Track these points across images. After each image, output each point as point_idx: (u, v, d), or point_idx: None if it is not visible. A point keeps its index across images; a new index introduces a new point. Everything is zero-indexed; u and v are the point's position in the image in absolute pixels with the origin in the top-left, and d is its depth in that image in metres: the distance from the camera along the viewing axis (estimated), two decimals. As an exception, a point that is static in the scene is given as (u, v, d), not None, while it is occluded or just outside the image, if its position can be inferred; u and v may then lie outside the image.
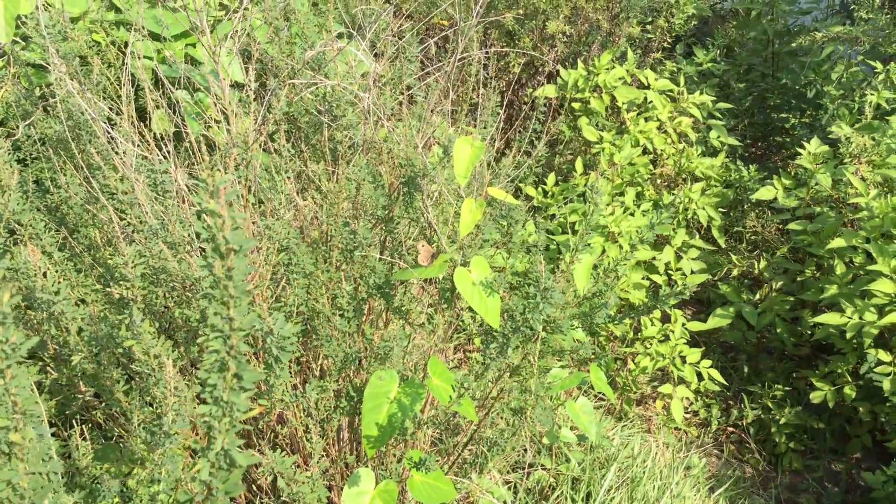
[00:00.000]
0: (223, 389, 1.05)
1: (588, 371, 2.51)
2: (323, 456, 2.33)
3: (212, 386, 1.05)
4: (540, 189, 3.85)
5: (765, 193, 3.69)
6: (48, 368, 2.01)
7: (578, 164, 3.88)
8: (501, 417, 2.42)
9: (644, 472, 3.01)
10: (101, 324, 1.86)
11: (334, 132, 2.19)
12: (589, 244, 2.33)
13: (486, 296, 2.11)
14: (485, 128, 2.53)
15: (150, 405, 1.85)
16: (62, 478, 1.27)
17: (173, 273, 1.81)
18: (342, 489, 2.32)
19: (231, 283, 1.00)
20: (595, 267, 2.75)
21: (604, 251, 3.46)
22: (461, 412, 2.02)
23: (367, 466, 2.33)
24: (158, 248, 1.80)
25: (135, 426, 1.83)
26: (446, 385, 2.07)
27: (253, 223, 2.21)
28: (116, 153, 1.92)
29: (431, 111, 2.31)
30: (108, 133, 1.96)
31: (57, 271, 1.93)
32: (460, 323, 2.53)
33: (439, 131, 2.19)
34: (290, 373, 2.39)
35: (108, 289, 1.87)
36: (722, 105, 4.26)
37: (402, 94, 2.49)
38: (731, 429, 3.67)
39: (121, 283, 1.80)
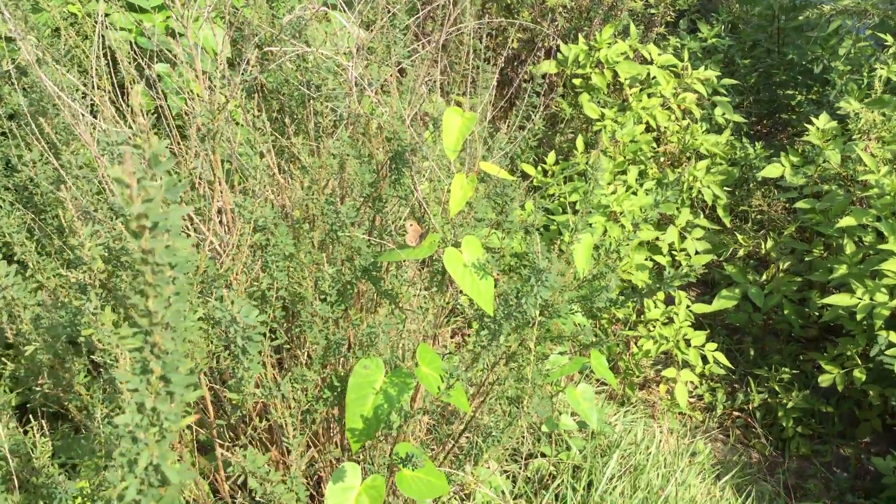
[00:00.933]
0: (148, 395, 0.86)
1: (589, 356, 2.31)
2: (310, 448, 2.13)
3: (132, 391, 0.85)
4: (539, 168, 3.64)
5: (772, 171, 3.47)
6: (2, 359, 1.82)
7: (579, 142, 3.67)
8: (498, 404, 2.23)
9: (648, 460, 2.81)
10: (61, 311, 1.67)
11: (315, 104, 1.98)
12: (589, 224, 2.13)
13: (479, 278, 1.91)
14: (475, 96, 2.32)
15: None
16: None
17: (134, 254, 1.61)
18: (328, 483, 2.13)
19: (148, 268, 0.80)
20: (596, 247, 2.55)
21: (605, 231, 3.25)
22: (453, 403, 1.82)
23: (354, 460, 2.14)
24: (119, 229, 1.60)
25: (97, 422, 1.64)
26: (436, 374, 1.88)
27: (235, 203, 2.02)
28: (78, 128, 1.72)
29: (421, 83, 2.10)
30: (72, 107, 1.76)
31: (14, 255, 1.74)
32: (459, 306, 2.33)
33: (429, 104, 1.99)
34: (271, 362, 2.20)
35: (66, 273, 1.67)
36: (727, 81, 4.04)
37: (392, 65, 2.28)
38: (736, 413, 3.47)
39: (79, 266, 1.60)
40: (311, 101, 2.03)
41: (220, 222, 1.79)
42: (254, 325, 1.37)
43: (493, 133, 2.48)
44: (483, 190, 2.02)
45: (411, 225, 1.93)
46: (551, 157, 3.65)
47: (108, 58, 2.38)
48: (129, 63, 2.25)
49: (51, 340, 1.57)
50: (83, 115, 1.69)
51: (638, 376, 3.41)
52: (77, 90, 2.12)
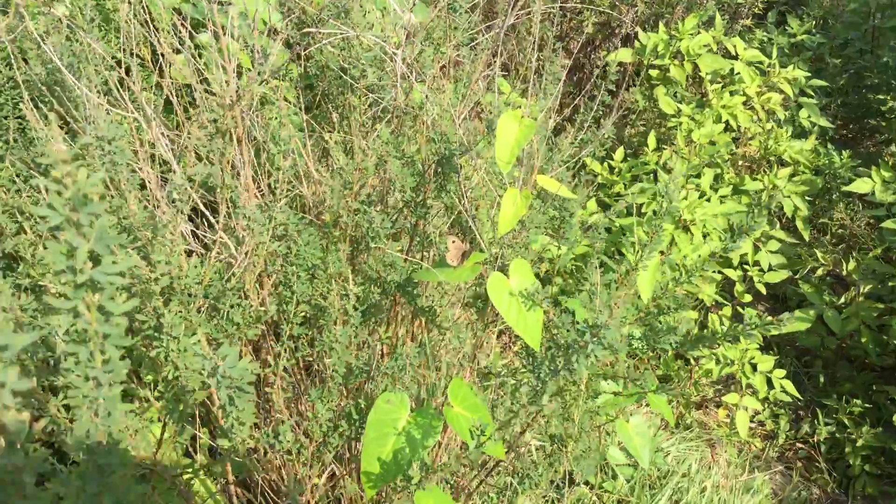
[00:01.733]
0: None
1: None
2: (322, 475, 1.88)
3: None
4: (605, 164, 3.31)
5: (861, 186, 3.09)
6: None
7: (651, 139, 3.32)
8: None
9: (702, 498, 2.51)
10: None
11: (353, 98, 1.70)
12: (656, 249, 1.82)
13: (526, 309, 1.62)
14: (541, 96, 2.01)
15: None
16: None
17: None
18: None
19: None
20: (661, 260, 2.23)
21: (673, 241, 2.92)
22: (488, 453, 1.55)
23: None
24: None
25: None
26: (471, 414, 1.60)
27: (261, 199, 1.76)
28: (83, 106, 1.47)
29: (478, 78, 1.80)
30: (78, 87, 1.50)
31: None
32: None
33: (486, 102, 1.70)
34: (291, 373, 1.95)
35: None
36: (816, 82, 3.63)
37: (450, 52, 1.98)
38: (799, 444, 3.13)
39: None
40: (351, 91, 1.74)
41: (236, 227, 1.53)
42: (242, 373, 1.10)
43: (558, 131, 2.16)
44: (539, 206, 1.72)
45: (453, 241, 1.65)
46: (619, 152, 3.32)
47: (150, 25, 2.13)
48: (170, 31, 1.99)
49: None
50: (85, 93, 1.44)
51: (695, 395, 3.09)
52: (103, 61, 1.87)
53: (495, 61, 1.85)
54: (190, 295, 1.37)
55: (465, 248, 1.64)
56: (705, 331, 3.05)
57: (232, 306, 1.42)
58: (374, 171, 1.63)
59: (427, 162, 1.75)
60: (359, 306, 1.62)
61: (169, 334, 1.27)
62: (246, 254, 1.46)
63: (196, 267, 1.37)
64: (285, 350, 1.57)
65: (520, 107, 1.82)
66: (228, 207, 1.49)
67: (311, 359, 1.86)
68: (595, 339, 1.28)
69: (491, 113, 1.91)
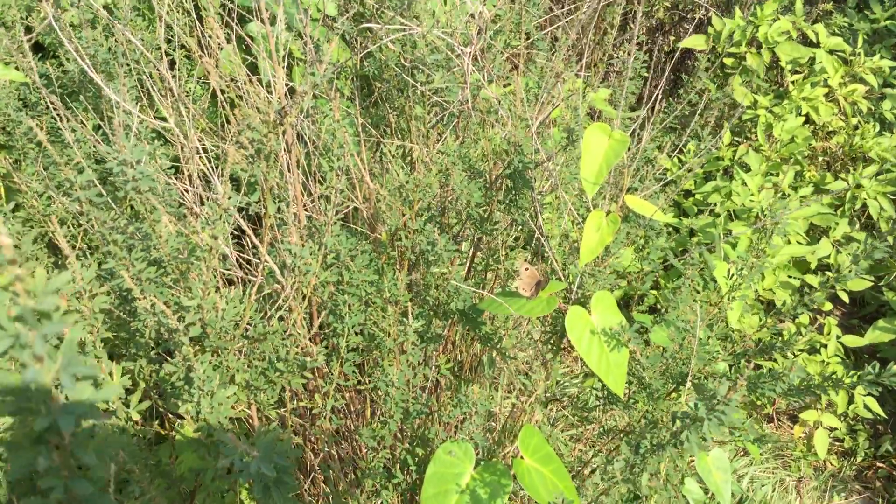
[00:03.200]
0: None
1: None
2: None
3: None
4: (675, 158, 3.01)
5: (955, 187, 2.76)
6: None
7: (726, 132, 3.01)
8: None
9: (779, 528, 2.24)
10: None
11: (417, 106, 1.45)
12: (729, 232, 1.55)
13: (609, 349, 1.36)
14: (633, 101, 1.73)
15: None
16: None
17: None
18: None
19: None
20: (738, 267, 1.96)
21: (751, 244, 2.62)
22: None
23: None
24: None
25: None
26: (544, 469, 1.36)
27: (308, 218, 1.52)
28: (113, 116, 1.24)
29: (556, 82, 1.53)
30: (103, 84, 1.28)
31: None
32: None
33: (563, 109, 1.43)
34: (347, 396, 1.72)
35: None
36: (902, 71, 3.27)
37: (521, 46, 1.71)
38: (879, 463, 2.83)
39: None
40: (412, 96, 1.49)
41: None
42: (282, 466, 0.87)
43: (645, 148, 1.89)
44: (624, 229, 1.45)
45: (525, 267, 1.39)
46: (691, 147, 3.02)
47: (194, 14, 1.90)
48: (217, 21, 1.75)
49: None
50: (115, 100, 1.21)
51: (768, 408, 2.81)
52: (142, 56, 1.64)
53: (573, 57, 1.58)
54: (229, 336, 1.14)
55: (540, 277, 1.38)
56: (779, 338, 2.76)
57: (276, 349, 1.19)
58: (437, 188, 1.38)
59: (494, 174, 1.49)
60: (417, 343, 1.38)
61: (200, 388, 1.05)
62: (292, 285, 1.22)
63: (234, 304, 1.14)
64: (335, 389, 1.34)
65: (610, 119, 1.55)
66: (274, 230, 1.25)
67: (363, 388, 1.62)
68: (713, 413, 1.02)
69: (556, 112, 1.65)
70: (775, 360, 2.65)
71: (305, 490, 1.83)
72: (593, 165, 1.29)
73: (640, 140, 1.70)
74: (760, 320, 2.36)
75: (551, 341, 1.48)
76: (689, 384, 1.35)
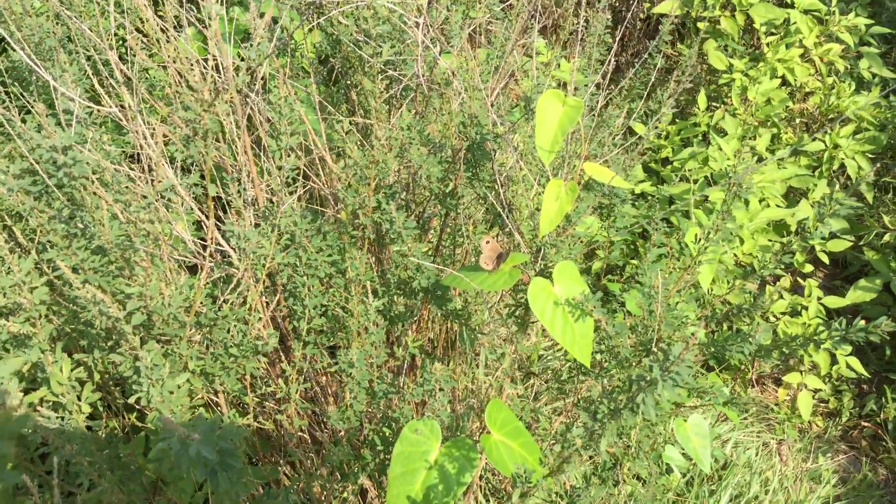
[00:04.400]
0: None
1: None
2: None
3: None
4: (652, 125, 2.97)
5: (933, 142, 2.73)
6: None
7: (701, 98, 2.97)
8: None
9: (764, 490, 2.23)
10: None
11: (366, 74, 1.41)
12: (706, 199, 1.52)
13: (573, 320, 1.34)
14: (585, 62, 1.69)
15: None
16: None
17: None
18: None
19: None
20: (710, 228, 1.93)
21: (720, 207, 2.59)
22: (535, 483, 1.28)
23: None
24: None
25: None
26: (512, 442, 1.33)
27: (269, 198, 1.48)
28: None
29: (513, 47, 1.49)
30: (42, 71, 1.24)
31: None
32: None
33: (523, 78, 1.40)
34: (321, 382, 1.69)
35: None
36: (877, 30, 3.22)
37: (479, 17, 1.67)
38: (864, 422, 2.82)
39: None
40: (363, 71, 1.45)
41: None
42: (227, 450, 0.84)
43: (605, 102, 1.85)
44: (586, 199, 1.42)
45: (487, 241, 1.36)
46: (667, 115, 2.97)
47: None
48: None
49: None
50: (53, 84, 1.17)
51: (752, 372, 2.80)
52: (91, 43, 1.60)
53: (533, 25, 1.54)
54: (178, 324, 1.11)
55: (502, 249, 1.35)
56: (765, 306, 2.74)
57: (231, 334, 1.16)
58: (393, 164, 1.34)
59: (455, 148, 1.46)
60: (380, 322, 1.35)
61: (149, 377, 1.02)
62: (245, 269, 1.19)
63: (182, 290, 1.11)
64: (298, 372, 1.31)
65: (562, 84, 1.51)
66: (233, 213, 1.22)
67: (331, 371, 1.60)
68: (667, 374, 1.00)
69: (526, 82, 1.62)
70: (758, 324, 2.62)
71: (285, 475, 1.81)
72: (548, 133, 1.26)
73: (606, 106, 1.67)
74: (732, 284, 2.33)
75: (516, 314, 1.45)
76: (654, 349, 1.32)
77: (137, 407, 1.56)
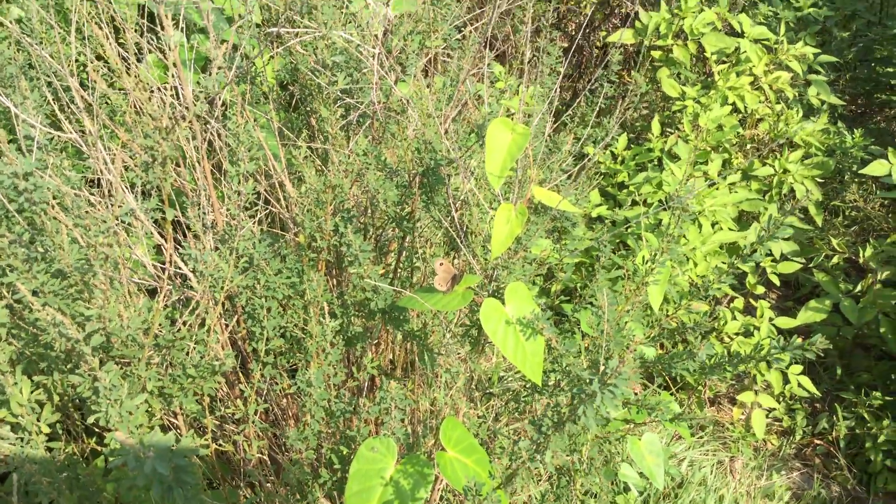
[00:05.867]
0: None
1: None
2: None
3: None
4: (608, 151, 3.06)
5: (876, 168, 2.83)
6: None
7: (655, 124, 3.06)
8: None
9: (718, 508, 2.29)
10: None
11: (323, 101, 1.46)
12: (666, 260, 1.58)
13: (525, 339, 1.38)
14: (538, 88, 1.75)
15: None
16: None
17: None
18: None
19: None
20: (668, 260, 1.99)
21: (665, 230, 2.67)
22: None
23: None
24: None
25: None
26: (467, 458, 1.37)
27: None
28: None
29: (466, 76, 1.55)
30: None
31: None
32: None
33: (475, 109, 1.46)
34: (275, 401, 1.72)
35: None
36: (825, 58, 3.35)
37: (434, 46, 1.73)
38: (817, 440, 2.90)
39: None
40: (320, 98, 1.50)
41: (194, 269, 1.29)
42: (181, 467, 0.87)
43: (557, 119, 1.92)
44: (536, 221, 1.47)
45: (441, 263, 1.41)
46: (622, 139, 3.06)
47: (112, 25, 1.89)
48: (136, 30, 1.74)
49: None
50: (17, 113, 1.20)
51: (710, 391, 2.86)
52: (51, 70, 1.63)
53: (486, 53, 1.60)
54: (136, 345, 1.14)
55: (456, 271, 1.40)
56: (715, 322, 2.81)
57: (188, 355, 1.19)
58: (350, 188, 1.39)
59: (411, 172, 1.51)
60: (337, 342, 1.39)
61: (107, 398, 1.05)
62: (203, 291, 1.23)
63: (140, 312, 1.14)
64: (256, 393, 1.35)
65: (512, 113, 1.57)
66: (194, 237, 1.26)
67: (291, 393, 1.63)
68: (605, 387, 1.05)
69: (480, 110, 1.68)
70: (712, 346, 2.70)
71: (244, 497, 1.82)
72: (497, 159, 1.31)
73: (555, 132, 1.73)
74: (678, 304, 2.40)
75: (470, 334, 1.50)
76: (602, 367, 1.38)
77: (97, 430, 1.57)
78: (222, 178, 1.57)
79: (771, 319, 2.76)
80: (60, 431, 1.50)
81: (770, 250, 2.91)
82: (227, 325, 1.44)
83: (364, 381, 1.65)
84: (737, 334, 2.77)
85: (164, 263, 1.42)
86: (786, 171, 2.92)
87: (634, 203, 2.87)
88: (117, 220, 1.00)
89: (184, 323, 1.27)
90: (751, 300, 2.96)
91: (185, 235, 1.44)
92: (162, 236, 1.36)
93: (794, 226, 2.97)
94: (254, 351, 1.42)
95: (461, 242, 1.44)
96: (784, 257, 2.95)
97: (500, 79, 2.49)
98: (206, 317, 1.26)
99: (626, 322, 1.60)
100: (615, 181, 3.00)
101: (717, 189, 2.82)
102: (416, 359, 1.84)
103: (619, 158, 3.03)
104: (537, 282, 2.64)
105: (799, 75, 3.21)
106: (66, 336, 1.00)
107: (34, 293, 1.13)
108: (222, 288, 1.27)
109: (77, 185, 1.31)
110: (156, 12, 1.70)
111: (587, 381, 1.10)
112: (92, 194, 1.36)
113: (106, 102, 1.81)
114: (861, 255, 2.89)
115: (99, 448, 1.59)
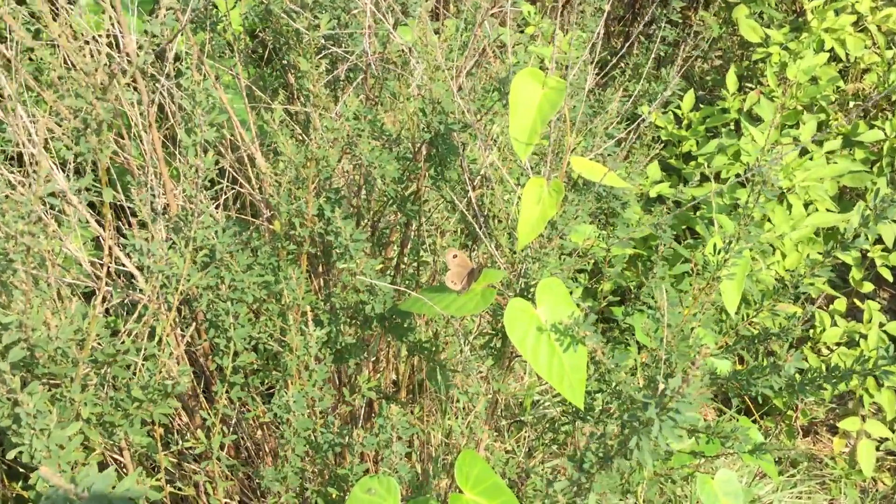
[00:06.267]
0: None
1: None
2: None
3: None
4: (670, 113, 3.03)
5: None
6: None
7: (731, 77, 3.03)
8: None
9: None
10: None
11: (302, 52, 1.46)
12: (745, 250, 1.56)
13: (562, 349, 1.37)
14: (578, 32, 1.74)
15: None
16: None
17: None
18: None
19: None
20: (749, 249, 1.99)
21: (765, 218, 2.65)
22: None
23: None
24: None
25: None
26: (489, 503, 1.37)
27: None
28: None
29: (484, 17, 1.54)
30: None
31: None
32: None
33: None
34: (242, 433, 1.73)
35: None
36: (948, -10, 3.31)
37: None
38: (942, 478, 2.87)
39: None
40: (298, 47, 1.50)
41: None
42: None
43: (604, 83, 1.91)
44: (578, 203, 1.46)
45: (454, 256, 1.40)
46: (688, 98, 3.03)
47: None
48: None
49: None
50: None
51: (804, 418, 2.84)
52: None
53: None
54: (68, 361, 1.14)
55: (473, 265, 1.39)
56: (810, 331, 2.79)
57: (134, 372, 1.19)
58: (338, 162, 1.39)
59: (415, 141, 1.50)
60: (323, 356, 1.39)
61: (31, 427, 1.05)
62: (153, 293, 1.23)
63: (73, 319, 1.14)
64: (222, 422, 1.35)
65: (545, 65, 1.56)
66: (129, 224, 1.26)
67: (268, 423, 1.63)
68: (666, 412, 1.03)
69: (504, 60, 1.67)
70: (805, 358, 2.68)
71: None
72: (525, 122, 1.30)
73: (601, 88, 1.72)
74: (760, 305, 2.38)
75: (492, 345, 1.49)
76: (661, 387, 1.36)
77: (21, 469, 1.58)
78: (176, 152, 1.57)
79: (882, 325, 2.73)
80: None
81: (880, 236, 2.87)
82: (183, 336, 1.44)
83: (358, 407, 1.64)
84: (837, 344, 2.75)
85: (102, 259, 1.42)
86: (899, 135, 2.89)
87: (704, 178, 2.84)
88: (41, 201, 1.00)
89: (128, 333, 1.28)
90: (855, 300, 2.94)
91: (129, 223, 1.44)
92: (101, 224, 1.36)
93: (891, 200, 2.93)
94: (218, 369, 1.42)
95: (480, 229, 1.43)
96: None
97: (529, 21, 2.48)
98: (157, 325, 1.27)
99: (692, 328, 1.59)
100: (679, 151, 2.98)
101: (810, 159, 2.79)
102: (426, 378, 1.83)
103: (685, 122, 3.01)
104: (581, 280, 2.63)
105: (915, 12, 3.17)
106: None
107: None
108: (177, 289, 1.27)
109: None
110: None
111: (642, 403, 1.09)
112: (12, 173, 1.36)
113: (30, 59, 1.82)
114: None
115: (26, 495, 1.59)
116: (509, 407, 2.36)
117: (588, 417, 1.61)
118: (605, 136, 1.55)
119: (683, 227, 2.84)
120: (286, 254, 1.52)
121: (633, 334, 2.08)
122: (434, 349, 1.59)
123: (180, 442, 1.54)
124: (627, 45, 3.21)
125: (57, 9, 1.43)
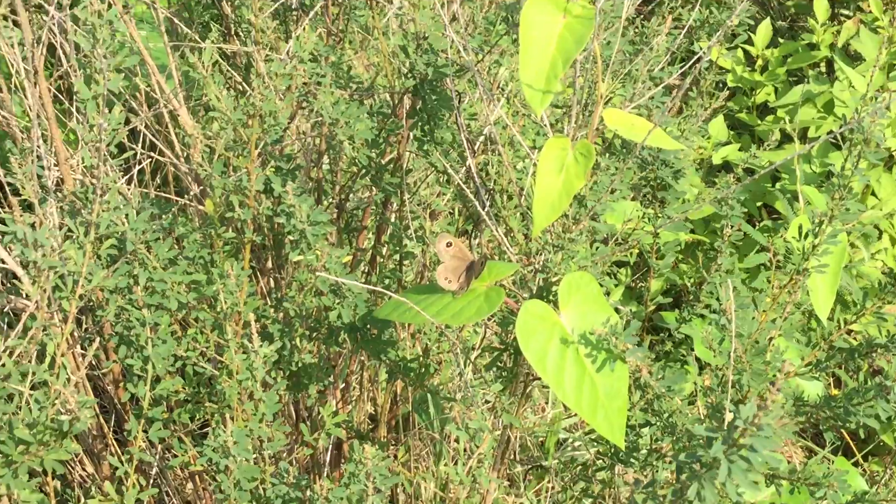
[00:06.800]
0: None
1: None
2: None
3: None
4: (738, 51, 3.05)
5: None
6: None
7: (820, 2, 3.05)
8: None
9: None
10: None
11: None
12: (841, 233, 1.58)
13: (595, 368, 1.38)
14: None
15: None
16: None
17: None
18: None
19: None
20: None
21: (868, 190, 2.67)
22: None
23: None
24: None
25: None
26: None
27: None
28: None
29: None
30: None
31: None
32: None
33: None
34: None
35: None
36: None
37: None
38: None
39: None
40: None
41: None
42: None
43: (645, 12, 1.91)
44: (614, 171, 1.47)
45: (448, 244, 1.41)
46: (763, 29, 3.04)
47: None
48: None
49: None
50: None
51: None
52: None
53: None
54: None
55: (474, 256, 1.40)
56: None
57: (18, 406, 1.20)
58: (291, 119, 1.40)
59: (395, 91, 1.51)
60: (275, 380, 1.40)
61: None
62: (42, 297, 1.24)
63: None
64: (137, 470, 1.36)
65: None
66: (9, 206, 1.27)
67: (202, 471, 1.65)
68: (735, 451, 1.04)
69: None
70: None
71: None
72: (541, 62, 1.31)
73: (642, 18, 1.73)
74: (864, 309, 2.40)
75: (501, 363, 1.50)
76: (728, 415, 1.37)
77: None
78: (73, 109, 1.58)
79: None
80: None
81: None
82: (84, 357, 1.45)
83: (322, 449, 1.66)
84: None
85: None
86: None
87: (786, 138, 2.86)
88: None
89: (9, 353, 1.29)
90: None
91: (8, 205, 1.45)
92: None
93: None
94: (132, 400, 1.43)
95: (483, 208, 1.43)
96: None
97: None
98: (48, 341, 1.28)
99: (770, 339, 1.60)
100: (751, 102, 3.00)
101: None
102: (412, 410, 1.85)
103: (759, 62, 3.02)
104: (620, 276, 2.65)
105: None
106: None
107: None
108: (74, 292, 1.28)
109: None
110: None
111: (704, 440, 1.10)
112: None
113: None
114: None
115: None
116: (525, 448, 2.37)
117: (631, 460, 1.63)
118: (649, 82, 1.56)
119: (758, 203, 2.86)
120: (222, 244, 1.53)
121: (691, 348, 2.09)
122: (423, 371, 1.60)
123: (82, 499, 1.55)
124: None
125: None
